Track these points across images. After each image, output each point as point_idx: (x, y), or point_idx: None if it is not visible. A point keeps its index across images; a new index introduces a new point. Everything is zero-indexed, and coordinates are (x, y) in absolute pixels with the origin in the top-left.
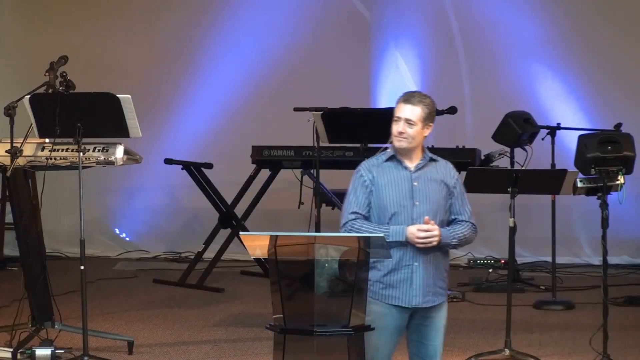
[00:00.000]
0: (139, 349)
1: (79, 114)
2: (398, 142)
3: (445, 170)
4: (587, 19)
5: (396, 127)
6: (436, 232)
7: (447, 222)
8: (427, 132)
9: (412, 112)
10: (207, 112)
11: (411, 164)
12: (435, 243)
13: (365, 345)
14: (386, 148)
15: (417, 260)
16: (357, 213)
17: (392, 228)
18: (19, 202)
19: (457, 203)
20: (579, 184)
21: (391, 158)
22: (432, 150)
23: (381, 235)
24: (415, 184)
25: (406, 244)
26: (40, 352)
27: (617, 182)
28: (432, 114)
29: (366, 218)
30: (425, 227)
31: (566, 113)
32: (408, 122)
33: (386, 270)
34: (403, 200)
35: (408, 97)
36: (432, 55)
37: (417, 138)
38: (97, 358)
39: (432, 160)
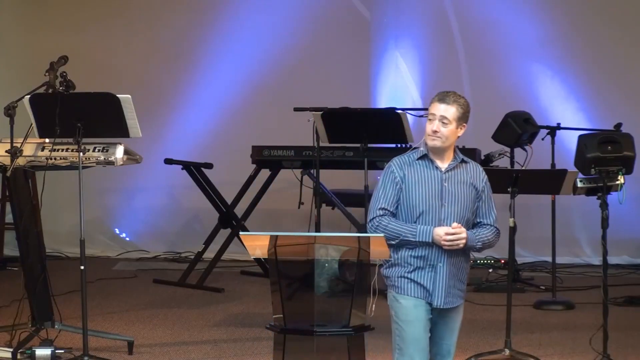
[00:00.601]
0: (139, 349)
1: (79, 114)
2: (432, 141)
3: (475, 172)
4: (587, 19)
5: (430, 126)
6: (463, 235)
7: (472, 224)
8: (460, 132)
9: (446, 111)
10: (207, 112)
11: (442, 165)
12: (461, 246)
13: (403, 342)
14: (417, 147)
15: (441, 260)
16: (385, 209)
17: (419, 228)
18: (19, 202)
19: (484, 207)
20: (579, 184)
21: (423, 157)
22: None
23: (381, 235)
24: (445, 184)
25: (432, 244)
26: (40, 352)
27: (617, 182)
28: (467, 114)
29: (393, 215)
30: (452, 230)
31: (566, 113)
32: (442, 121)
33: (411, 268)
34: (432, 200)
35: (443, 97)
36: (432, 55)
37: (451, 138)
38: (97, 358)
39: (463, 161)
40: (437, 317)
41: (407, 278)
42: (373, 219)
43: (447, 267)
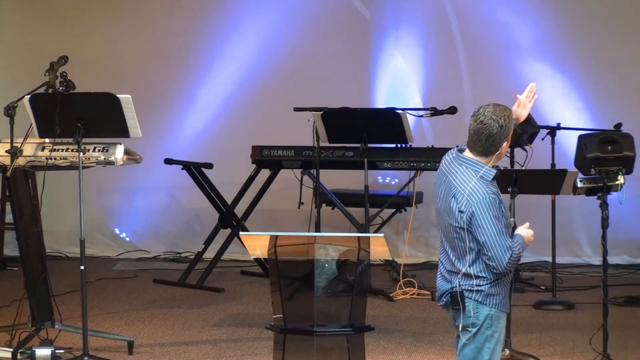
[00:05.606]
0: (139, 349)
1: (79, 114)
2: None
3: None
4: (587, 19)
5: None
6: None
7: None
8: None
9: None
10: (207, 112)
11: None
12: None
13: None
14: (480, 164)
15: None
16: (510, 239)
17: (517, 239)
18: (19, 202)
19: None
20: (579, 184)
21: (494, 176)
22: (432, 150)
23: (381, 235)
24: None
25: None
26: (40, 352)
27: (617, 182)
28: None
29: None
30: (527, 225)
31: (566, 113)
32: None
33: (509, 282)
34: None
35: None
36: (432, 55)
37: None
38: (97, 358)
39: None
40: None
41: (507, 293)
42: (512, 254)
43: None
